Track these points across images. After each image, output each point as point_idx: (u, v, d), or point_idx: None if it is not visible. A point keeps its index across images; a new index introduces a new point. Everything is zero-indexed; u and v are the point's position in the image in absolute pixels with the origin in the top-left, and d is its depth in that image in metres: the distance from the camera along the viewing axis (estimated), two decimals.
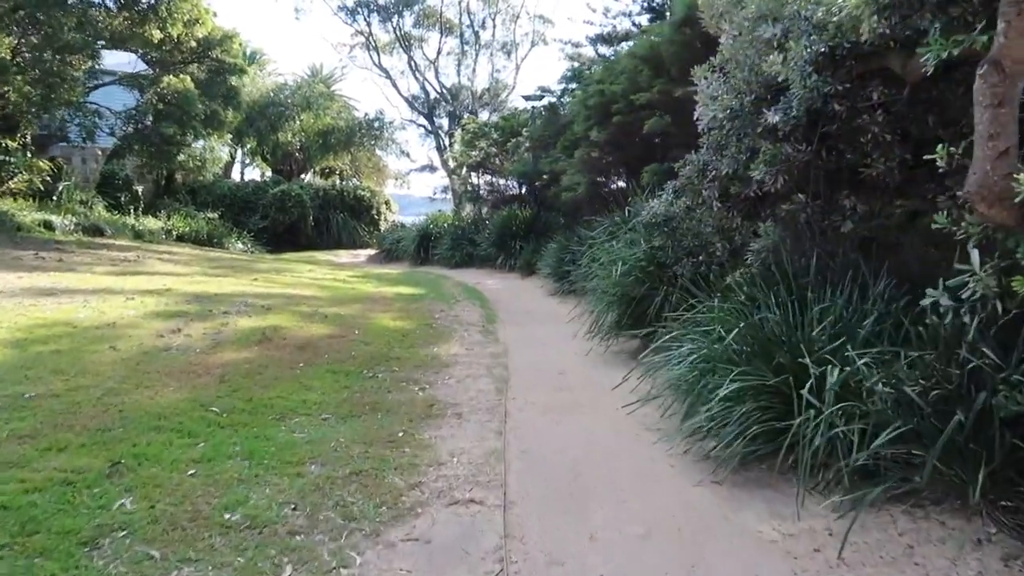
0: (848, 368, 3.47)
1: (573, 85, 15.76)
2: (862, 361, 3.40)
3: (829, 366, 3.56)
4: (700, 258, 6.05)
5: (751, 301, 4.87)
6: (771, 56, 4.44)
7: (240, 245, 23.39)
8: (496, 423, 4.84)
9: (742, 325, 4.15)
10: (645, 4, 25.27)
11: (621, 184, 12.02)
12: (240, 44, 17.06)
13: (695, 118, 5.88)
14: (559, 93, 16.06)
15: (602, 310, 7.02)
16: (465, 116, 23.50)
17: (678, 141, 9.68)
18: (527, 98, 18.23)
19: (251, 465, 3.75)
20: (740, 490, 3.63)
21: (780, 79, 4.84)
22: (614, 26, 24.83)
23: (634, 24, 22.91)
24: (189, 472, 3.61)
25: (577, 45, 25.64)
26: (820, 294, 4.34)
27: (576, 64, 16.00)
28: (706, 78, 5.77)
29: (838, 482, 3.30)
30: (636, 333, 6.48)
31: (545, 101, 16.77)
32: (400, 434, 4.45)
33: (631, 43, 16.16)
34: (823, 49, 4.20)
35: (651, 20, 21.73)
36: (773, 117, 4.71)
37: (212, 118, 17.28)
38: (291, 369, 5.75)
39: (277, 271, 12.96)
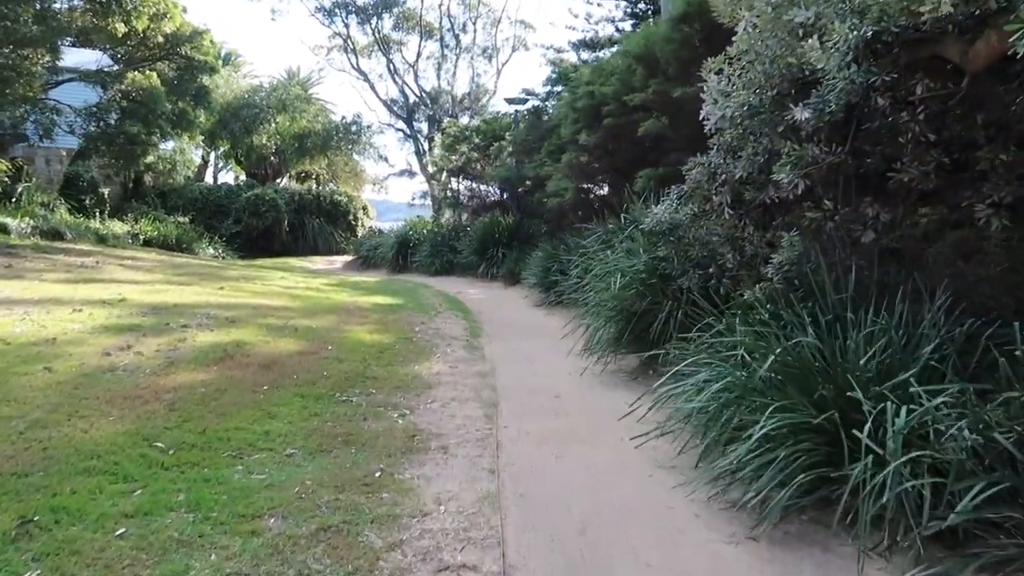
0: (915, 406, 2.91)
1: (559, 88, 15.23)
2: (939, 400, 2.84)
3: (888, 403, 3.00)
4: (710, 270, 5.49)
5: (776, 320, 4.32)
6: (808, 41, 3.88)
7: (211, 250, 22.54)
8: (488, 458, 4.24)
9: (778, 351, 3.57)
10: (628, 9, 24.97)
11: (611, 190, 11.47)
12: (211, 41, 16.30)
13: (701, 118, 5.34)
14: (544, 96, 15.53)
15: (599, 326, 6.43)
16: (445, 120, 22.92)
17: (675, 145, 9.17)
18: (510, 101, 17.70)
19: (196, 520, 3.11)
20: (783, 549, 3.05)
21: (810, 71, 4.32)
22: (596, 32, 24.50)
23: (617, 30, 22.56)
24: (118, 531, 2.95)
25: (559, 50, 25.27)
26: (860, 314, 3.79)
27: (561, 66, 15.44)
28: (719, 73, 5.22)
29: (909, 546, 2.73)
30: (640, 354, 5.91)
31: (529, 104, 16.23)
32: (377, 474, 3.82)
33: (615, 48, 15.70)
34: (869, 34, 3.65)
35: (634, 26, 21.37)
36: (801, 114, 4.16)
37: (181, 118, 16.50)
38: (254, 393, 5.09)
39: (247, 279, 12.24)
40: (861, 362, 3.39)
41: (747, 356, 4.00)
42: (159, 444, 3.94)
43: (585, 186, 12.09)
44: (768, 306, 4.52)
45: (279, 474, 3.70)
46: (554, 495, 3.71)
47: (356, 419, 4.78)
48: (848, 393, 3.21)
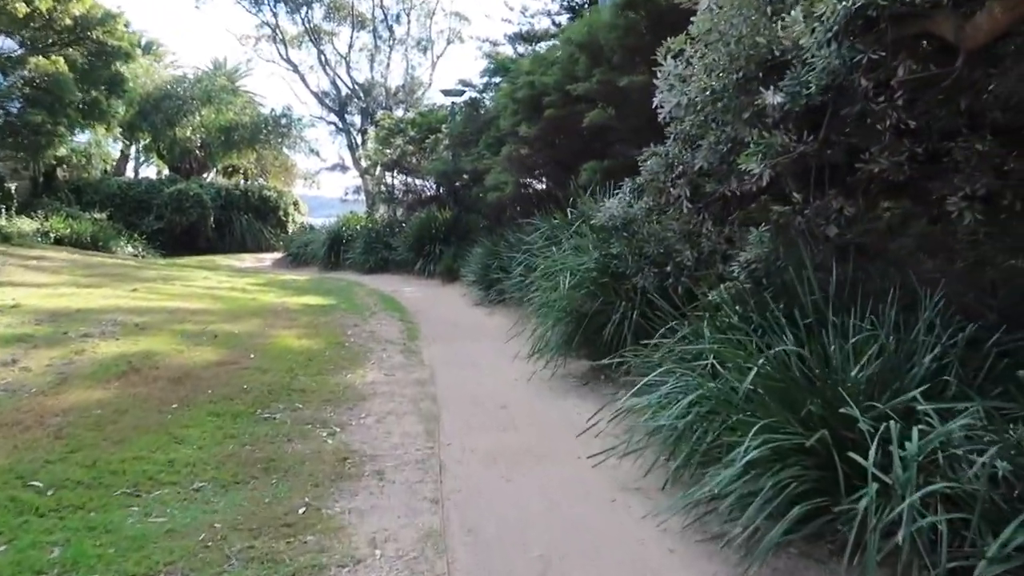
0: (923, 427, 2.55)
1: (497, 79, 14.74)
2: (960, 422, 2.47)
3: (891, 422, 2.63)
4: (667, 268, 5.10)
5: (745, 323, 3.95)
6: (791, 14, 3.50)
7: (130, 249, 21.28)
8: (430, 484, 3.73)
9: (760, 362, 3.17)
10: (565, 3, 24.66)
11: (553, 184, 11.04)
12: (126, 26, 15.22)
13: (655, 106, 4.96)
14: (481, 88, 15.03)
15: (546, 328, 5.99)
16: (379, 113, 22.15)
17: (621, 136, 8.81)
18: (446, 92, 17.10)
19: None
20: None
21: (780, 52, 3.96)
22: (532, 25, 24.09)
23: (554, 23, 22.19)
24: None
25: (495, 43, 24.74)
26: (842, 317, 3.44)
27: (498, 58, 14.96)
28: (676, 56, 4.84)
29: None
30: (593, 360, 5.50)
31: (466, 96, 15.71)
32: (301, 510, 3.28)
33: (553, 42, 15.27)
34: (854, 7, 3.28)
35: (571, 19, 21.05)
36: (773, 98, 3.80)
37: (93, 107, 15.36)
38: (160, 413, 4.46)
39: (165, 279, 11.37)
40: (852, 373, 3.02)
41: (718, 365, 3.61)
42: (36, 483, 3.30)
43: (526, 180, 11.64)
44: (737, 308, 4.16)
45: (183, 516, 3.12)
46: (508, 528, 3.24)
47: (279, 440, 4.21)
48: (841, 410, 2.83)
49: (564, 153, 10.41)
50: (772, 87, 3.84)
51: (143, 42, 32.62)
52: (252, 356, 6.16)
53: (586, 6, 20.53)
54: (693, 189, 4.98)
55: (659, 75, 4.92)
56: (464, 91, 16.48)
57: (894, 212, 4.66)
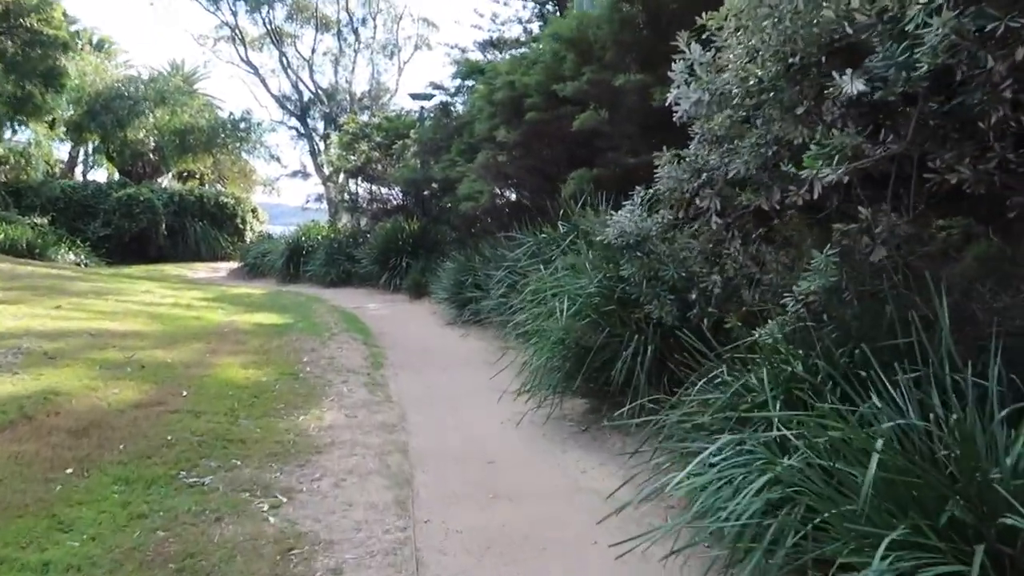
0: None
1: (470, 82, 13.83)
2: None
3: None
4: (692, 296, 4.23)
5: (811, 374, 3.08)
6: None
7: (71, 257, 19.88)
8: None
9: (880, 444, 2.26)
10: (537, 10, 23.96)
11: (534, 194, 10.15)
12: (64, 14, 14.00)
13: (669, 103, 4.12)
14: (453, 91, 14.11)
15: (540, 361, 5.06)
16: (343, 117, 21.08)
17: (613, 142, 7.97)
18: (415, 96, 16.22)
19: None
20: None
21: (853, 28, 3.12)
22: (502, 32, 23.33)
23: (526, 30, 21.45)
24: None
25: (464, 50, 23.92)
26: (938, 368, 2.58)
27: (469, 63, 14.06)
28: (705, 40, 3.99)
29: None
30: (597, 403, 4.60)
31: (437, 100, 14.79)
32: None
33: (523, 51, 14.39)
34: None
35: (542, 27, 20.34)
36: (853, 85, 2.96)
37: (26, 101, 14.10)
38: (47, 482, 3.42)
39: (99, 293, 10.20)
40: (1005, 459, 2.16)
41: (786, 432, 2.73)
42: None
43: (503, 189, 10.72)
44: (792, 349, 3.29)
45: None
46: None
47: (204, 520, 3.22)
48: (1004, 518, 1.96)
49: (546, 161, 9.54)
50: (850, 72, 3.00)
51: (94, 39, 31.30)
52: (184, 394, 5.13)
53: (556, 13, 19.83)
54: (723, 201, 4.14)
55: (675, 67, 4.08)
56: (434, 95, 15.57)
57: (951, 231, 3.88)
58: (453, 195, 12.97)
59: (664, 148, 4.33)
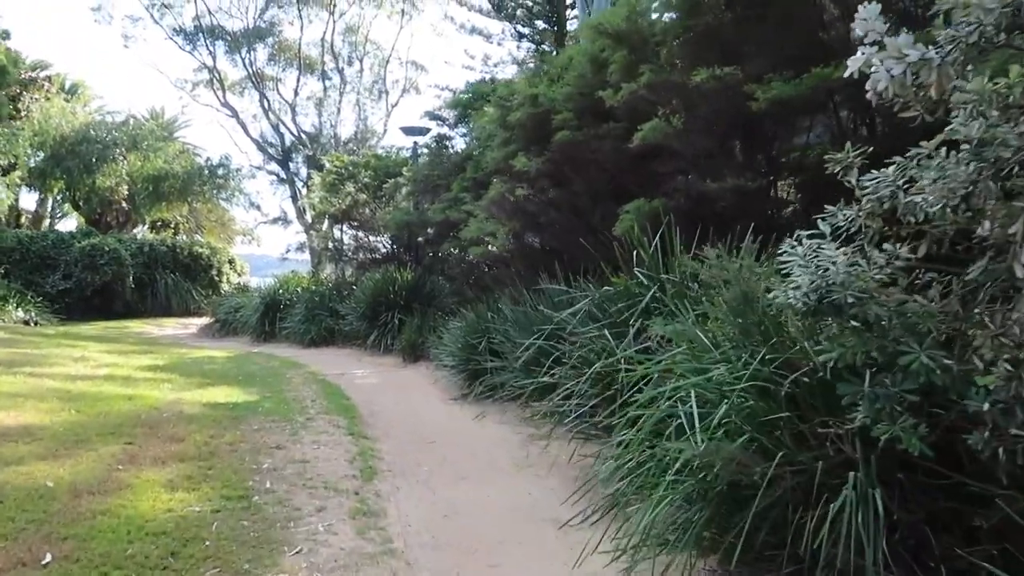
0: None
1: (470, 112, 12.02)
2: None
3: None
4: (969, 405, 2.24)
5: None
6: None
7: (20, 313, 17.69)
8: None
9: None
10: (533, 48, 22.56)
11: (565, 235, 8.19)
12: (4, 35, 12.15)
13: (850, 75, 2.24)
14: (453, 121, 12.30)
15: (651, 507, 3.02)
16: (327, 155, 19.21)
17: (680, 164, 6.11)
18: (408, 131, 14.39)
19: None
20: None
21: None
22: (494, 73, 21.88)
23: (522, 70, 19.96)
24: None
25: (455, 91, 22.38)
26: None
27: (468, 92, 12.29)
28: None
29: None
30: None
31: (434, 132, 12.99)
32: None
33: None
34: None
35: (539, 66, 18.93)
36: None
37: None
38: None
39: (12, 364, 8.08)
40: None
41: None
42: None
43: (522, 231, 8.77)
44: None
45: None
46: None
47: None
48: None
49: (578, 194, 7.63)
50: None
51: (67, 84, 29.67)
52: (47, 560, 3.06)
53: (553, 52, 18.29)
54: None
55: (858, 29, 2.23)
56: (428, 129, 13.81)
57: None
58: (455, 240, 11.08)
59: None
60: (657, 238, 4.96)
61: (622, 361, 3.88)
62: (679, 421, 2.84)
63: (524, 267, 8.54)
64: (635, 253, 5.07)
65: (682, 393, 2.95)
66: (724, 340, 3.14)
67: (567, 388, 4.89)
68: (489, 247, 9.44)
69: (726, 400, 2.73)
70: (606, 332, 4.32)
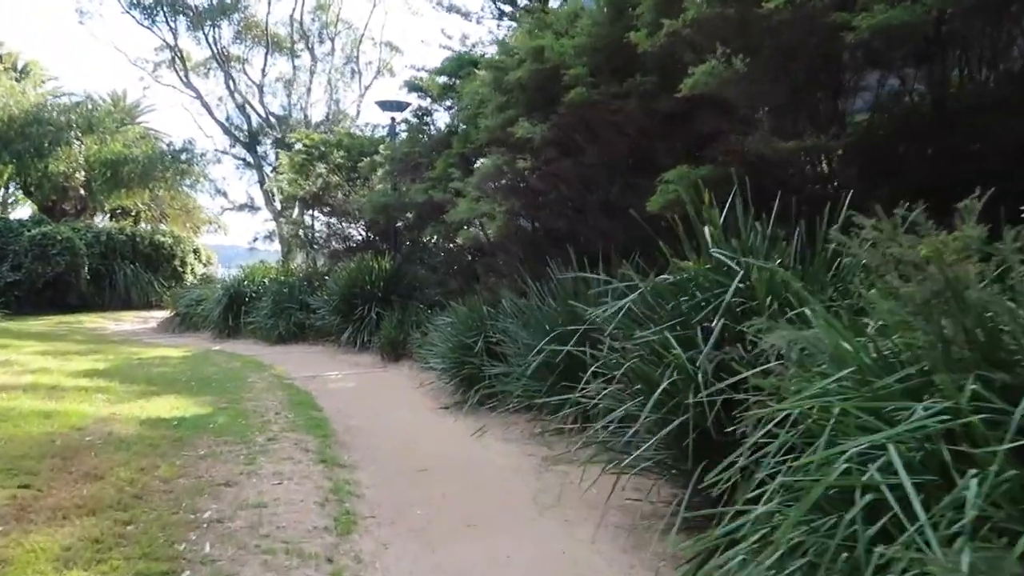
0: None
1: (456, 81, 10.75)
2: None
3: None
4: None
5: None
6: None
7: None
8: None
9: None
10: (515, 27, 21.29)
11: (575, 214, 6.99)
12: None
13: None
14: (436, 93, 11.00)
15: None
16: (295, 132, 17.77)
17: (734, 122, 4.96)
18: (384, 105, 13.09)
19: None
20: None
21: None
22: (472, 52, 20.59)
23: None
24: None
25: (431, 72, 21.08)
26: None
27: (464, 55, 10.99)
28: None
29: None
30: None
31: (414, 105, 11.71)
32: None
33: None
34: None
35: (537, 20, 17.72)
36: None
37: None
38: None
39: None
40: None
41: None
42: None
43: (523, 210, 7.58)
44: None
45: None
46: None
47: None
48: None
49: (591, 166, 6.46)
50: None
51: (19, 64, 27.89)
52: None
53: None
54: None
55: None
56: (407, 104, 12.52)
57: None
58: (440, 224, 9.87)
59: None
60: (724, 211, 3.79)
61: (704, 376, 2.74)
62: (871, 497, 1.68)
63: (525, 253, 7.35)
64: (679, 233, 3.88)
65: (861, 444, 1.79)
66: (908, 358, 1.99)
67: (601, 405, 3.75)
68: (481, 231, 8.25)
69: (972, 473, 1.58)
70: (668, 336, 3.15)
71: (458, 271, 11.02)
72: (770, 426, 2.16)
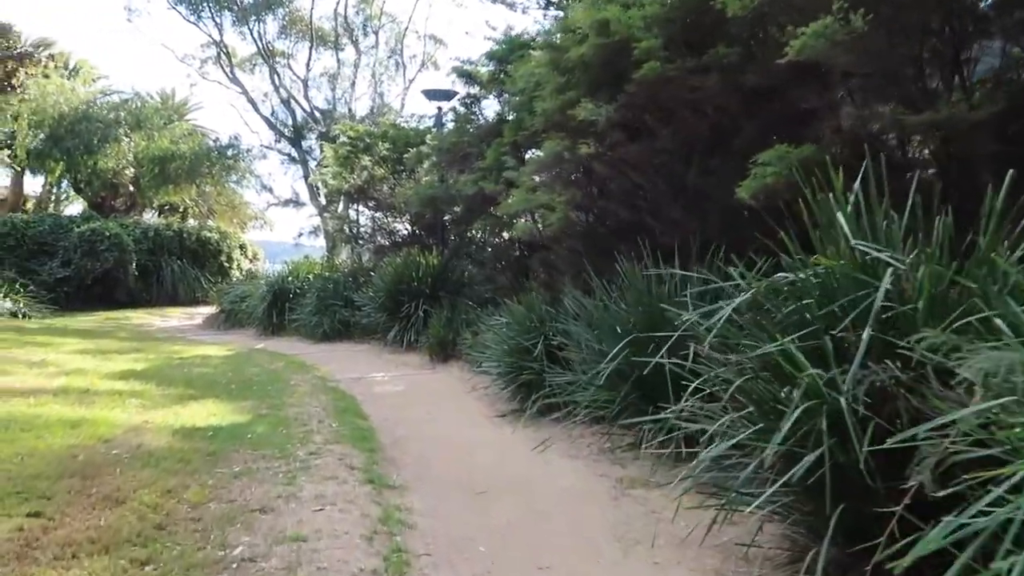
0: None
1: (506, 68, 10.17)
2: None
3: None
4: None
5: None
6: None
7: (7, 304, 16.14)
8: None
9: None
10: (560, 16, 20.57)
11: (643, 203, 6.34)
12: None
13: None
14: (486, 78, 10.43)
15: None
16: (339, 124, 17.35)
17: (833, 95, 4.28)
18: (431, 95, 12.58)
19: None
20: None
21: None
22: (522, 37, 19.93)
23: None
24: None
25: (474, 63, 20.52)
26: None
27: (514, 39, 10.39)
28: None
29: None
30: None
31: (463, 93, 11.17)
32: None
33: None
34: None
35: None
36: None
37: None
38: None
39: None
40: None
41: None
42: None
43: (588, 201, 6.97)
44: None
45: None
46: None
47: None
48: None
49: (664, 151, 5.82)
50: None
51: (71, 63, 28.13)
52: None
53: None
54: None
55: None
56: (454, 92, 12.00)
57: None
58: (490, 217, 9.33)
59: None
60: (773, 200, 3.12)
61: (850, 402, 2.11)
62: None
63: (585, 246, 6.74)
64: (773, 223, 3.23)
65: None
66: None
67: (695, 427, 3.14)
68: (537, 223, 7.67)
69: None
70: (791, 349, 2.53)
71: (506, 267, 10.48)
72: (999, 490, 1.53)
